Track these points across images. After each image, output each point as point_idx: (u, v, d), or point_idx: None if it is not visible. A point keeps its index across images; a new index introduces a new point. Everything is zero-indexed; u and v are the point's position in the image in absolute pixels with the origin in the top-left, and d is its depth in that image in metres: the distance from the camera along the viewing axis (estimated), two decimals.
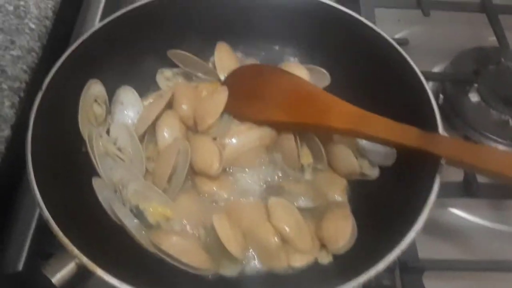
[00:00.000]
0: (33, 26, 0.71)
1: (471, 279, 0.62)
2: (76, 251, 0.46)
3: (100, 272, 0.45)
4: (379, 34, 0.66)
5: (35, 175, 0.51)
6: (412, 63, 0.61)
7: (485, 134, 0.73)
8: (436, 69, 0.83)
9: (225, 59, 0.71)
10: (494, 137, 0.72)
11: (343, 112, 0.57)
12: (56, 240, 0.61)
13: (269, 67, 0.70)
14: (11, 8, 0.73)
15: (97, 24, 0.79)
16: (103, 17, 0.85)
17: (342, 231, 0.56)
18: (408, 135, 0.53)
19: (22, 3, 0.74)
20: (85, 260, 0.45)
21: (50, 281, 0.45)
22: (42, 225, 0.61)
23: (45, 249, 0.61)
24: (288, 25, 0.72)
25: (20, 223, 0.63)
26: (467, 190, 0.65)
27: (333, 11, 0.69)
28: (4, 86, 0.64)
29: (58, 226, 0.48)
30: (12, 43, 0.69)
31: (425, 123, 0.57)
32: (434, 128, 0.56)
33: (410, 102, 0.61)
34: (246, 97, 0.65)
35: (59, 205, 0.51)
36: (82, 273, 0.47)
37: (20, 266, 0.60)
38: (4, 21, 0.71)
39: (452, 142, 0.54)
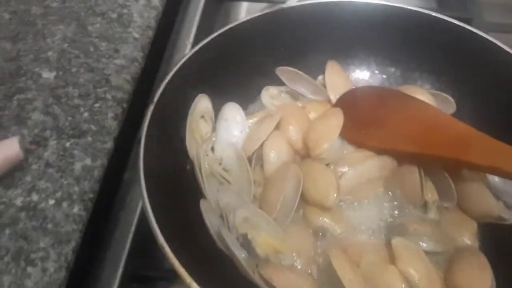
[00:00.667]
0: (137, 35, 0.69)
1: None
2: (189, 279, 0.41)
3: None
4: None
5: (148, 197, 0.46)
6: None
7: None
8: None
9: (336, 79, 0.66)
10: None
11: (486, 147, 0.50)
12: (151, 262, 0.58)
13: (390, 90, 0.64)
14: (114, 15, 0.70)
15: (191, 40, 0.78)
16: (198, 31, 0.81)
17: (479, 283, 0.48)
18: None
19: (125, 11, 0.71)
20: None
21: None
22: (137, 246, 0.58)
23: (140, 271, 0.57)
24: (408, 45, 0.66)
25: (114, 244, 0.59)
26: None
27: (461, 31, 0.62)
28: (108, 96, 0.61)
29: (173, 254, 0.43)
30: (116, 52, 0.66)
31: None
32: None
33: None
34: (364, 121, 0.59)
35: (170, 229, 0.47)
36: None
37: None
38: (108, 29, 0.68)
39: None
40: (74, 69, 0.63)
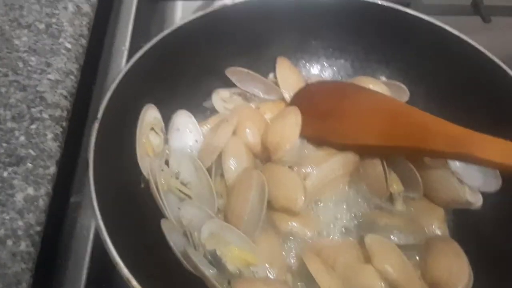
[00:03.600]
0: (69, 45, 0.63)
1: None
2: None
3: None
4: (465, 41, 0.58)
5: (104, 223, 0.42)
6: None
7: None
8: None
9: (288, 75, 0.63)
10: None
11: (449, 133, 0.49)
12: None
13: (344, 84, 0.63)
14: (42, 26, 0.64)
15: (127, 45, 0.73)
16: (133, 35, 0.76)
17: (458, 272, 0.48)
18: None
19: (54, 20, 0.65)
20: None
21: None
22: (94, 276, 0.53)
23: None
24: (354, 36, 0.65)
25: (68, 277, 0.54)
26: None
27: (401, 16, 0.62)
28: (45, 115, 0.55)
29: (136, 281, 0.39)
30: (48, 66, 0.60)
31: None
32: None
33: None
34: (322, 118, 0.58)
35: (131, 254, 0.43)
36: None
37: None
38: (36, 41, 0.62)
39: None
40: (3, 89, 0.57)
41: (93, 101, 0.68)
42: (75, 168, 0.62)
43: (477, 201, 0.54)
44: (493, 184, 0.54)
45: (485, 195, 0.55)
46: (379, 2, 0.62)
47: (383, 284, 0.47)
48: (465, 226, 0.54)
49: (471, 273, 0.48)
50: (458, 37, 0.58)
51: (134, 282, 0.39)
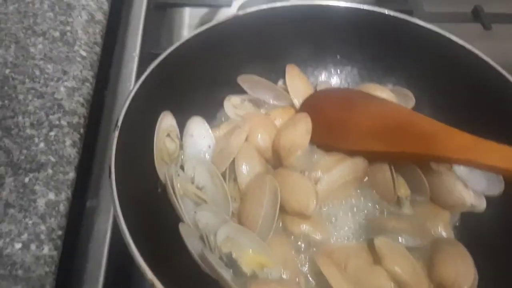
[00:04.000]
0: (84, 53, 0.65)
1: None
2: None
3: None
4: (466, 48, 0.61)
5: (126, 225, 0.44)
6: None
7: None
8: None
9: (297, 82, 0.65)
10: None
11: (455, 140, 0.51)
12: None
13: (352, 91, 0.64)
14: (57, 34, 0.66)
15: (138, 51, 0.74)
16: (143, 41, 0.78)
17: (464, 273, 0.50)
18: None
19: (68, 28, 0.67)
20: None
21: None
22: (111, 279, 0.55)
23: None
24: (360, 44, 0.67)
25: (86, 280, 0.55)
26: None
27: (406, 24, 0.64)
28: (63, 122, 0.57)
29: (159, 280, 0.41)
30: (64, 73, 0.62)
31: None
32: None
33: None
34: (330, 124, 0.60)
35: (151, 256, 0.44)
36: None
37: None
38: (52, 49, 0.64)
39: None
40: (21, 96, 0.59)
41: (106, 107, 0.70)
42: (90, 173, 0.63)
43: (481, 205, 0.56)
44: (496, 188, 0.56)
45: (488, 199, 0.57)
46: (384, 11, 0.64)
47: (393, 285, 0.50)
48: (470, 228, 0.56)
49: (476, 274, 0.50)
50: (459, 45, 0.60)
51: (158, 283, 0.41)
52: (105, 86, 0.73)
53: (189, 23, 0.91)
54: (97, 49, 0.67)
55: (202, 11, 0.89)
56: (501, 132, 0.51)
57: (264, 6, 0.63)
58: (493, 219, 0.55)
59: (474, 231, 0.56)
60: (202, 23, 0.90)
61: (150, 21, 0.80)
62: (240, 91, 0.66)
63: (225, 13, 0.86)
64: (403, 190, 0.57)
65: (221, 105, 0.65)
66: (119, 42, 0.78)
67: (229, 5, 0.84)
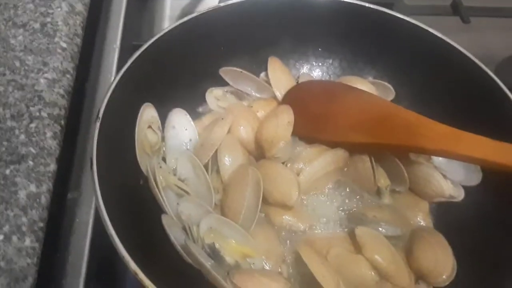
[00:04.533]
0: (64, 45, 0.64)
1: None
2: None
3: None
4: (445, 42, 0.62)
5: (108, 216, 0.44)
6: (493, 75, 0.57)
7: None
8: None
9: (279, 74, 0.66)
10: None
11: (434, 131, 0.52)
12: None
13: (333, 83, 0.65)
14: (37, 26, 0.65)
15: (118, 43, 0.74)
16: (124, 33, 0.78)
17: (444, 261, 0.51)
18: (508, 154, 0.49)
19: (48, 19, 0.66)
20: None
21: None
22: (93, 271, 0.55)
23: None
24: (341, 36, 0.68)
25: (69, 272, 0.55)
26: None
27: (385, 17, 0.65)
28: (44, 114, 0.57)
29: (141, 271, 0.41)
30: (44, 65, 0.61)
31: None
32: None
33: (491, 113, 0.57)
34: (313, 116, 0.60)
35: (134, 247, 0.45)
36: None
37: None
38: (32, 41, 0.63)
39: None
40: (1, 88, 0.58)
41: (87, 99, 0.69)
42: (71, 164, 0.63)
43: (459, 195, 0.57)
44: (474, 178, 0.58)
45: (466, 189, 0.58)
46: (364, 4, 0.65)
47: (373, 273, 0.51)
48: (448, 218, 0.57)
49: (454, 262, 0.52)
50: (438, 38, 0.61)
51: (141, 274, 0.41)
52: (86, 78, 0.72)
53: (170, 14, 0.91)
54: (78, 40, 0.66)
55: (184, 2, 0.89)
56: (478, 124, 0.53)
57: None
58: (471, 209, 0.57)
59: (452, 221, 0.57)
60: (183, 14, 0.89)
61: (131, 12, 0.80)
62: (223, 83, 0.66)
63: (207, 5, 0.86)
64: (383, 180, 0.58)
65: (203, 97, 0.65)
66: (99, 33, 0.77)
67: None
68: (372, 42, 0.67)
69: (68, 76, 0.62)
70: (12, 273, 0.46)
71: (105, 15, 0.79)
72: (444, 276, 0.50)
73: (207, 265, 0.48)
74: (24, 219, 0.49)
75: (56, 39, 0.64)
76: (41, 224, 0.50)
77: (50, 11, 0.67)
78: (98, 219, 0.52)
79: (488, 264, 0.51)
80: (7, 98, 0.57)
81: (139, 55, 0.57)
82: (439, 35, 0.61)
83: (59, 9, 0.68)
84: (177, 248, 0.50)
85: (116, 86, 0.54)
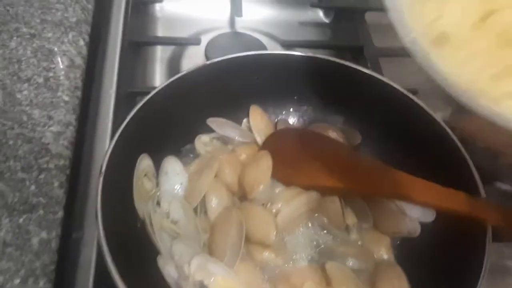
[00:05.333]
0: (66, 98, 0.72)
1: None
2: None
3: None
4: (404, 95, 0.70)
5: (111, 256, 0.52)
6: (446, 127, 0.66)
7: None
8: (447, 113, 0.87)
9: (259, 121, 0.74)
10: None
11: (392, 179, 0.61)
12: None
13: (306, 131, 0.74)
14: (41, 80, 0.72)
15: (114, 88, 0.82)
16: (119, 79, 0.85)
17: None
18: (456, 200, 0.58)
19: (51, 74, 0.74)
20: None
21: None
22: None
23: None
24: (313, 86, 0.76)
25: None
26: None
27: (348, 70, 0.73)
28: (51, 165, 0.64)
29: None
30: (50, 119, 0.68)
31: (464, 185, 0.61)
32: (475, 191, 0.61)
33: (446, 163, 0.65)
34: (289, 161, 0.68)
35: (132, 282, 0.52)
36: None
37: None
38: (37, 95, 0.70)
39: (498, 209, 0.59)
40: (11, 142, 0.65)
41: (86, 143, 0.77)
42: (73, 206, 0.70)
43: (416, 231, 0.66)
44: (429, 215, 0.66)
45: (422, 225, 0.67)
46: (331, 59, 0.73)
47: None
48: (407, 251, 0.66)
49: None
50: (392, 87, 0.70)
51: None
52: (85, 123, 0.79)
53: (161, 56, 0.98)
54: (78, 93, 0.74)
55: (171, 48, 0.97)
56: (433, 172, 0.62)
57: (229, 56, 0.72)
58: (426, 243, 0.65)
59: (410, 253, 0.65)
60: (172, 56, 0.98)
61: (125, 60, 0.87)
62: (209, 130, 0.74)
63: (193, 49, 0.95)
64: (351, 218, 0.66)
65: (192, 143, 0.73)
66: (96, 81, 0.85)
67: (198, 43, 0.91)
68: (339, 92, 0.75)
69: (71, 127, 0.69)
70: None
71: (100, 63, 0.87)
72: None
73: None
74: (37, 264, 0.56)
75: (59, 93, 0.72)
76: (52, 267, 0.57)
77: (52, 65, 0.75)
78: (100, 256, 0.59)
79: None
80: (17, 151, 0.65)
81: (136, 112, 0.64)
82: (394, 84, 0.70)
83: (59, 64, 0.75)
84: (170, 285, 0.58)
85: (115, 142, 0.61)
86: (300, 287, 0.61)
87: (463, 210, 0.57)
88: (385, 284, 0.60)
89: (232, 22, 1.00)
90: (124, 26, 0.91)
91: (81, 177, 0.73)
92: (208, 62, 0.71)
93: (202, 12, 1.03)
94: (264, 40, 0.98)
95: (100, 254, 0.56)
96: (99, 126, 0.78)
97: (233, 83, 0.73)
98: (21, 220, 0.59)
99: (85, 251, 0.66)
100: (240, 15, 0.96)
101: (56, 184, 0.63)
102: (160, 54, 0.97)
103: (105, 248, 0.52)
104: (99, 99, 0.82)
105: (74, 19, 0.81)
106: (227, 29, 1.00)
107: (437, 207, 0.59)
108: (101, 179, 0.58)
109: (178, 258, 0.60)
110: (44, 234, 0.58)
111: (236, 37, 0.96)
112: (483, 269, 0.54)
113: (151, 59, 0.95)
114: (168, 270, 0.59)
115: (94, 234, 0.66)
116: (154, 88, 0.68)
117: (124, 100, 0.82)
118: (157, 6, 1.05)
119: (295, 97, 0.78)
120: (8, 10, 0.79)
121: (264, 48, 0.94)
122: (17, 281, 0.55)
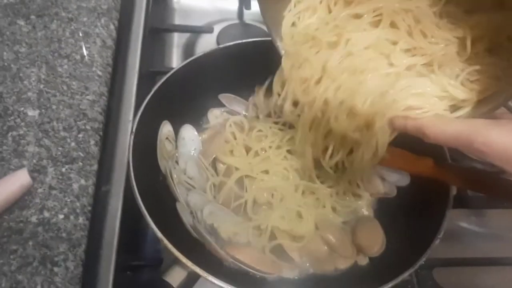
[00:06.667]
0: (100, 73, 0.84)
1: (468, 273, 0.79)
2: (190, 263, 0.60)
3: (211, 278, 0.59)
4: None
5: (142, 202, 0.64)
6: None
7: None
8: None
9: (263, 99, 0.86)
10: None
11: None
12: (137, 254, 0.76)
13: None
14: (78, 57, 0.85)
15: (137, 68, 0.94)
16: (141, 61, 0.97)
17: (375, 239, 0.72)
18: (425, 165, 0.70)
19: (87, 52, 0.86)
20: (198, 270, 0.59)
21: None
22: (122, 244, 0.74)
23: (129, 262, 0.74)
24: None
25: (105, 244, 0.74)
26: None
27: None
28: (88, 127, 0.76)
29: (172, 244, 0.61)
30: (86, 89, 0.81)
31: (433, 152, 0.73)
32: (443, 159, 0.73)
33: None
34: None
35: (159, 222, 0.64)
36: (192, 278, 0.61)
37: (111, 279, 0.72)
38: (75, 69, 0.83)
39: (460, 170, 0.71)
40: (54, 107, 0.77)
41: (113, 114, 0.89)
42: (103, 163, 0.82)
43: (392, 192, 0.78)
44: (405, 180, 0.79)
45: (398, 188, 0.79)
46: None
47: (326, 248, 0.71)
48: (384, 208, 0.78)
49: (384, 239, 0.73)
50: None
51: (165, 241, 0.61)
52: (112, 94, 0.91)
53: (177, 42, 1.11)
54: (109, 69, 0.86)
55: (186, 35, 1.10)
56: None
57: (238, 41, 0.84)
58: (400, 203, 0.78)
59: (387, 211, 0.78)
60: (187, 43, 1.11)
61: (146, 44, 0.99)
62: (220, 105, 0.86)
63: (206, 37, 1.07)
64: None
65: (206, 115, 0.85)
66: (122, 62, 0.97)
67: (211, 32, 1.04)
68: None
69: (104, 97, 0.81)
70: (71, 241, 0.65)
71: (125, 46, 0.99)
72: (375, 249, 0.71)
73: (209, 239, 0.68)
74: (77, 204, 0.68)
75: (94, 68, 0.84)
76: (89, 208, 0.70)
77: (87, 45, 0.87)
78: (125, 206, 0.71)
79: (407, 240, 0.71)
80: (59, 114, 0.77)
81: (159, 86, 0.77)
82: None
83: (94, 44, 0.87)
84: (187, 227, 0.70)
85: (143, 109, 0.74)
86: None
87: (430, 173, 0.69)
88: (364, 233, 0.73)
89: (241, 14, 1.12)
90: (146, 15, 1.03)
91: (109, 140, 0.85)
92: (220, 46, 0.83)
93: (214, 4, 1.16)
94: None
95: (126, 206, 0.69)
96: (124, 99, 0.90)
97: (241, 65, 0.85)
98: (63, 169, 0.71)
99: (112, 202, 0.78)
100: (248, 8, 1.09)
101: (92, 142, 0.75)
102: (177, 40, 1.09)
103: (135, 190, 0.64)
104: (125, 76, 0.94)
105: (105, 6, 0.92)
106: (236, 20, 1.12)
107: (410, 171, 0.72)
108: (132, 136, 0.70)
109: (193, 205, 0.73)
110: (83, 181, 0.71)
111: (245, 27, 1.08)
112: (444, 218, 0.67)
113: (169, 44, 1.07)
114: (185, 215, 0.71)
115: (120, 188, 0.78)
116: (172, 68, 0.80)
117: (146, 78, 0.94)
118: None
119: None
120: None
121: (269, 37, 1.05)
122: (61, 216, 0.67)
